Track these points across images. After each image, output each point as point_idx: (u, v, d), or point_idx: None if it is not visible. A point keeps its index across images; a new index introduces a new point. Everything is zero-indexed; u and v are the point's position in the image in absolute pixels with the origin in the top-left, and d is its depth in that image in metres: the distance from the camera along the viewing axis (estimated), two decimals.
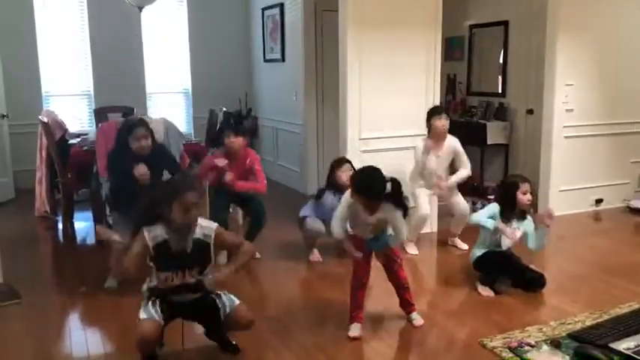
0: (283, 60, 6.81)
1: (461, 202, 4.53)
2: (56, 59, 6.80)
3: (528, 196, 3.62)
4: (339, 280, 4.02)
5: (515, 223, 3.66)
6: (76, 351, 3.01)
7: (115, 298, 3.63)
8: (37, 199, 5.51)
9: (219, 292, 2.76)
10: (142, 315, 2.60)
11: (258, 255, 4.40)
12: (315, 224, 4.26)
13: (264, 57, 7.28)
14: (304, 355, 2.93)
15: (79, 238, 5.20)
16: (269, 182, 6.95)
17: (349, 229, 3.15)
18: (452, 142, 4.46)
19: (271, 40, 7.05)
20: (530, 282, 3.68)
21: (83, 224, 5.32)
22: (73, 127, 5.95)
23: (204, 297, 2.71)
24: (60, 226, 5.34)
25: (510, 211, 3.64)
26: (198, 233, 2.65)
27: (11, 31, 6.44)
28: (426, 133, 4.48)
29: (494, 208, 3.66)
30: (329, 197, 4.19)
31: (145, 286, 2.73)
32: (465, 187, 4.74)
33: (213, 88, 7.25)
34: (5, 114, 6.14)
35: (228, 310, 2.71)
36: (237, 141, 4.24)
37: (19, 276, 3.96)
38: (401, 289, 3.22)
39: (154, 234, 2.60)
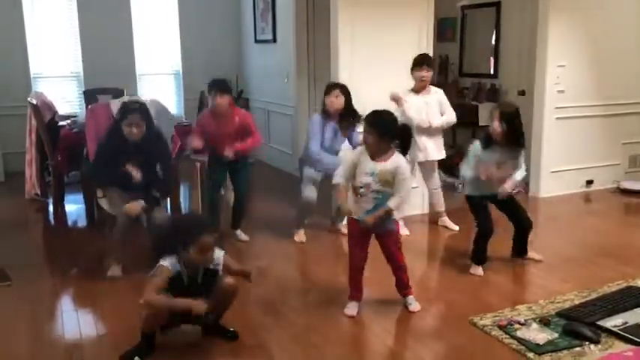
0: (274, 41, 6.75)
1: (433, 177, 4.59)
2: (45, 40, 6.72)
3: (495, 125, 3.49)
4: (330, 260, 4.05)
5: (504, 158, 3.55)
6: (68, 333, 3.02)
7: (107, 280, 3.62)
8: (27, 181, 5.47)
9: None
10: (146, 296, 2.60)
11: (246, 237, 4.42)
12: (309, 194, 4.21)
13: (255, 38, 7.21)
14: (298, 335, 2.95)
15: (69, 220, 5.18)
16: (260, 164, 7.02)
17: (352, 214, 3.11)
18: (437, 94, 4.40)
19: (262, 20, 6.97)
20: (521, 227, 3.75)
21: (74, 206, 5.29)
22: (62, 109, 5.90)
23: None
24: (50, 208, 5.32)
25: (488, 140, 3.56)
26: (210, 263, 2.71)
27: None
28: None
29: (475, 148, 3.61)
30: (316, 118, 4.17)
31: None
32: (457, 169, 4.75)
33: (203, 70, 7.18)
34: None
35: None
36: (223, 100, 4.08)
37: (10, 258, 3.95)
38: (398, 269, 3.21)
39: (173, 267, 2.62)
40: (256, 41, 7.22)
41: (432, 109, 4.35)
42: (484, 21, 6.44)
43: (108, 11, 6.78)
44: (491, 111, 3.65)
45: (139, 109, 3.71)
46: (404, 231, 4.46)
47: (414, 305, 3.20)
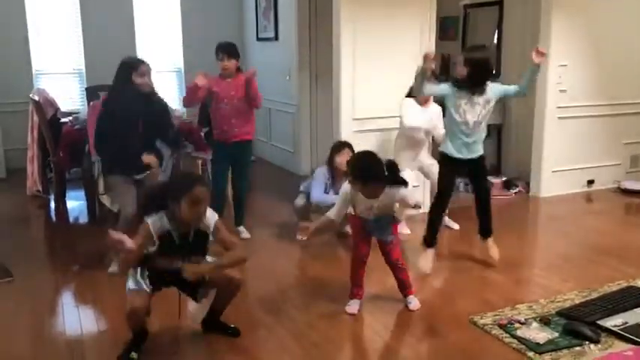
0: (276, 39, 6.75)
1: (435, 171, 4.53)
2: (47, 37, 6.72)
3: (459, 69, 3.54)
4: (331, 259, 4.05)
5: (474, 98, 3.55)
6: (69, 328, 3.03)
7: (108, 275, 3.63)
8: (29, 178, 5.48)
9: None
10: (131, 285, 2.59)
11: (247, 235, 4.42)
12: (299, 201, 4.29)
13: (257, 35, 7.21)
14: (297, 333, 2.95)
15: (71, 216, 5.19)
16: (262, 162, 7.03)
17: (351, 211, 3.15)
18: (436, 108, 4.39)
19: (264, 18, 6.98)
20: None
21: (75, 203, 5.30)
22: (64, 106, 5.91)
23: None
24: (52, 205, 5.33)
25: (458, 84, 3.57)
26: (202, 225, 2.65)
27: (1, 8, 6.34)
28: None
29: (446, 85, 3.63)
30: (321, 172, 4.21)
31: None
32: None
33: (205, 67, 7.13)
34: None
35: (204, 298, 2.76)
36: (230, 64, 4.13)
37: (11, 255, 3.95)
38: (395, 269, 3.21)
39: (158, 225, 2.56)
40: (258, 39, 7.22)
41: (431, 122, 4.33)
42: (486, 20, 6.43)
43: (110, 8, 6.78)
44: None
45: (145, 61, 3.73)
46: (405, 230, 4.47)
47: (414, 303, 3.21)
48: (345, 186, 3.08)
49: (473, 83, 3.55)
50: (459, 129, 3.62)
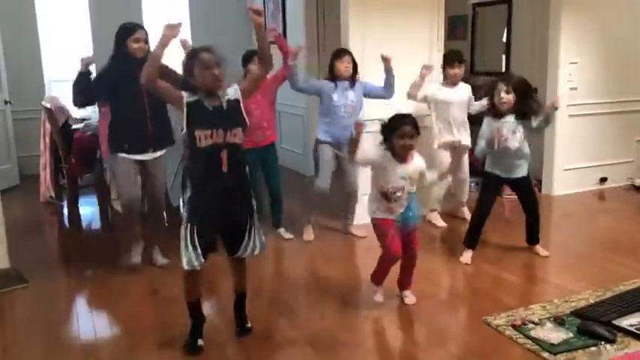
0: None
1: (464, 165, 4.67)
2: (58, 44, 6.79)
3: (502, 96, 3.59)
4: (339, 259, 4.05)
5: (508, 124, 3.62)
6: (83, 334, 3.05)
7: (122, 281, 3.66)
8: (42, 184, 5.53)
9: (257, 226, 2.80)
10: (185, 265, 2.65)
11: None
12: (321, 184, 4.25)
13: None
14: (311, 335, 2.95)
15: (84, 222, 5.23)
16: None
17: (378, 212, 3.12)
18: (467, 89, 4.57)
19: (272, 21, 6.98)
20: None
21: (88, 209, 5.34)
22: (76, 113, 5.96)
23: (242, 217, 2.76)
24: (65, 211, 5.37)
25: (497, 112, 3.64)
26: (230, 94, 2.74)
27: (12, 17, 6.41)
28: None
29: (485, 123, 3.71)
30: (328, 84, 4.20)
31: (183, 200, 2.77)
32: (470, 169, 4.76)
33: None
34: (8, 100, 6.15)
35: (247, 253, 2.79)
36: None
37: (26, 261, 3.99)
38: (413, 261, 3.21)
39: (189, 94, 2.68)
40: None
41: (458, 107, 4.55)
42: (495, 18, 6.40)
43: (119, 16, 6.78)
44: (492, 85, 3.75)
45: (141, 26, 3.70)
46: (439, 222, 4.64)
47: (411, 298, 3.24)
48: (375, 153, 3.13)
49: (518, 110, 3.61)
50: (502, 160, 3.69)
